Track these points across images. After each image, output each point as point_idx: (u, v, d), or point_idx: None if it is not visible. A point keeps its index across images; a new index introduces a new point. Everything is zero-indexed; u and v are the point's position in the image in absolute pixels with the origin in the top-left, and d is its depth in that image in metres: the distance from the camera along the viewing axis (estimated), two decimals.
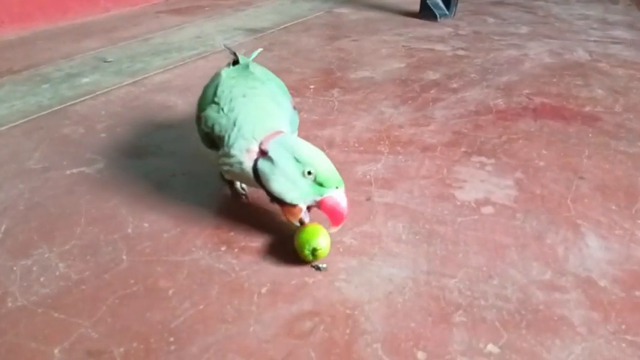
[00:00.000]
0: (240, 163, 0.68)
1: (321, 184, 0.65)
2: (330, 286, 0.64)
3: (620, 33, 1.72)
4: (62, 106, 1.12)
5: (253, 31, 1.70)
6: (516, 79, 1.29)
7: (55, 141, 0.97)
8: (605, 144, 0.97)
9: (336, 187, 0.66)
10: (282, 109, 0.72)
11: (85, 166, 0.89)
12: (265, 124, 0.68)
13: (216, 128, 0.70)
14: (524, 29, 1.73)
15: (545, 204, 0.80)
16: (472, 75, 1.33)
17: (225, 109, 0.70)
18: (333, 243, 0.71)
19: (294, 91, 1.21)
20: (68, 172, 0.87)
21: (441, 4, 1.85)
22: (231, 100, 0.71)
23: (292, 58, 1.44)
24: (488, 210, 0.78)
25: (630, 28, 1.78)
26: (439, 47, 1.55)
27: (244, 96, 0.71)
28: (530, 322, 0.59)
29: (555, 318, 0.60)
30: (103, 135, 1.00)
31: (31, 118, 1.06)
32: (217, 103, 0.71)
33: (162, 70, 1.34)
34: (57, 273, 0.65)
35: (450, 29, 1.75)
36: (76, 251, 0.69)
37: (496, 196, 0.82)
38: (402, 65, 1.40)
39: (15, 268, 0.66)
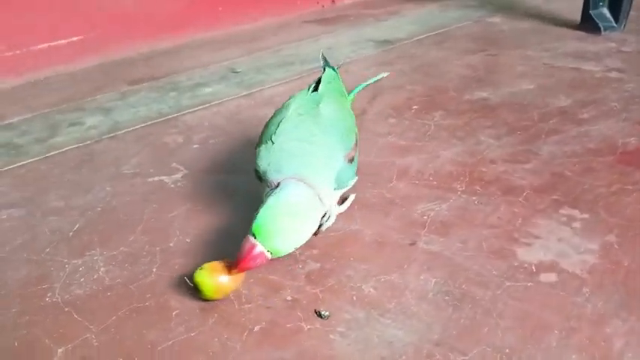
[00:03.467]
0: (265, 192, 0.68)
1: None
2: (324, 337, 0.60)
3: None
4: (177, 114, 1.22)
5: (385, 42, 1.67)
6: None
7: (154, 148, 1.07)
8: None
9: (251, 234, 0.62)
10: (331, 164, 0.70)
11: (165, 175, 0.96)
12: (298, 171, 0.67)
13: (264, 163, 0.71)
14: None
15: (629, 280, 0.64)
16: (613, 103, 1.12)
17: (276, 148, 0.70)
18: (349, 289, 0.66)
19: (395, 111, 1.16)
20: (150, 179, 0.95)
21: (608, 15, 1.59)
22: (284, 141, 0.71)
23: (410, 73, 1.38)
24: (549, 277, 0.66)
25: None
26: (587, 67, 1.35)
27: (299, 141, 0.71)
28: None
29: None
30: (195, 146, 1.07)
31: (147, 124, 1.18)
32: (273, 142, 0.71)
33: (277, 83, 1.38)
34: (95, 276, 0.72)
35: (613, 44, 1.51)
36: (120, 258, 0.75)
37: (568, 261, 0.68)
38: (532, 87, 1.25)
39: (67, 266, 0.74)
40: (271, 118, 0.78)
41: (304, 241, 0.65)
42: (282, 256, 0.64)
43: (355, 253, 0.73)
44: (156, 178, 0.96)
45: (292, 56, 1.60)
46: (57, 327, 0.64)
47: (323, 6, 2.16)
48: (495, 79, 1.32)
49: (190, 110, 1.24)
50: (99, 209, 0.87)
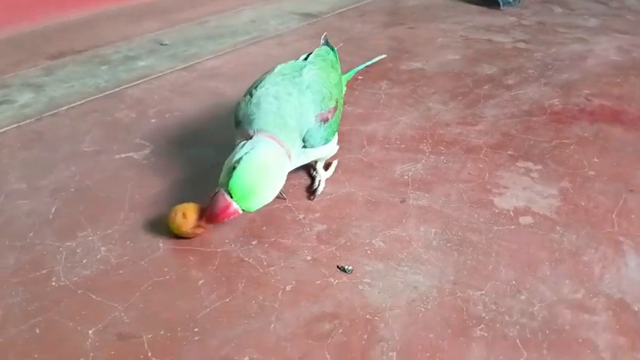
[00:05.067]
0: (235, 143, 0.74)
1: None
2: (354, 288, 0.64)
3: None
4: (118, 89, 1.16)
5: (308, 15, 1.70)
6: (577, 78, 1.23)
7: (107, 124, 1.02)
8: None
9: (221, 187, 0.67)
10: (301, 122, 0.74)
11: (133, 151, 0.93)
12: (271, 128, 0.71)
13: (241, 114, 0.76)
14: (592, 22, 1.63)
15: (589, 217, 0.77)
16: (530, 71, 1.27)
17: (253, 102, 0.74)
18: (361, 245, 0.71)
19: None
20: (117, 156, 0.91)
21: None
22: (262, 95, 0.75)
23: (344, 46, 1.43)
24: (526, 220, 0.76)
25: None
26: (498, 38, 1.50)
27: (275, 98, 0.73)
28: (553, 342, 0.58)
29: (580, 340, 0.58)
30: (153, 120, 1.03)
31: (88, 99, 1.11)
32: (251, 96, 0.76)
33: (214, 55, 1.36)
34: (98, 256, 0.69)
35: (513, 18, 1.68)
36: (117, 236, 0.73)
37: (537, 205, 0.79)
38: (457, 57, 1.36)
39: (61, 249, 0.70)
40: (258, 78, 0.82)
41: (272, 198, 0.70)
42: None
43: (354, 213, 0.78)
44: (122, 155, 0.92)
45: (219, 28, 1.57)
46: (76, 309, 0.61)
47: None
48: (422, 50, 1.42)
49: (131, 84, 1.19)
50: (72, 189, 0.82)
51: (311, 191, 0.82)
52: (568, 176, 0.86)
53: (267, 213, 0.77)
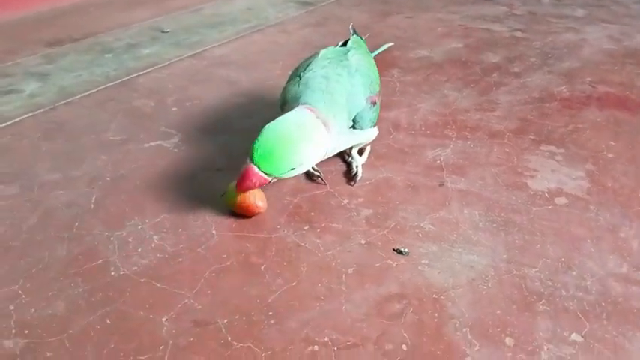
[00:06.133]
0: None
1: None
2: (414, 270, 0.66)
3: None
4: (128, 77, 1.14)
5: (304, 3, 1.70)
6: (577, 66, 1.27)
7: (128, 113, 1.00)
8: None
9: (248, 159, 0.67)
10: (352, 102, 0.75)
11: (161, 140, 0.91)
12: (315, 102, 0.72)
13: (288, 95, 0.77)
14: (580, 12, 1.70)
15: (617, 197, 0.81)
16: (532, 59, 1.32)
17: (302, 82, 0.76)
18: (411, 228, 0.73)
19: None
20: (146, 145, 0.90)
21: None
22: (310, 77, 0.76)
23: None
24: (561, 201, 0.80)
25: None
26: (496, 27, 1.54)
27: (325, 78, 0.74)
28: (611, 313, 0.61)
29: (634, 310, 0.61)
30: (174, 109, 1.02)
31: (99, 88, 1.09)
32: (300, 78, 0.77)
33: (219, 43, 1.35)
34: (152, 245, 0.69)
35: (504, 8, 1.73)
36: (168, 225, 0.72)
37: (568, 187, 0.83)
38: (460, 45, 1.39)
39: (112, 239, 0.69)
40: (300, 64, 0.83)
41: (305, 163, 0.69)
42: (284, 177, 0.69)
43: (397, 197, 0.79)
44: (152, 144, 0.90)
45: (217, 16, 1.55)
46: (143, 298, 0.61)
47: None
48: (425, 39, 1.44)
49: (141, 73, 1.16)
50: (108, 179, 0.81)
51: (350, 177, 0.83)
52: (591, 159, 0.90)
53: (311, 199, 0.78)
